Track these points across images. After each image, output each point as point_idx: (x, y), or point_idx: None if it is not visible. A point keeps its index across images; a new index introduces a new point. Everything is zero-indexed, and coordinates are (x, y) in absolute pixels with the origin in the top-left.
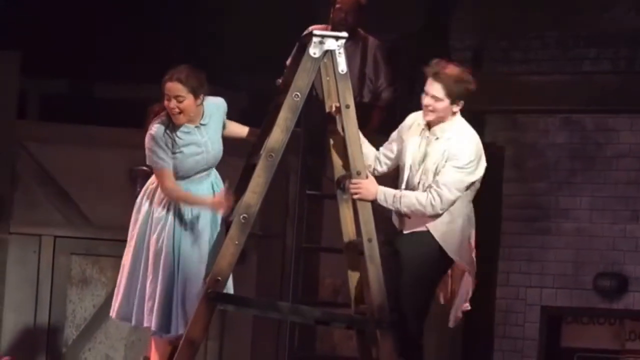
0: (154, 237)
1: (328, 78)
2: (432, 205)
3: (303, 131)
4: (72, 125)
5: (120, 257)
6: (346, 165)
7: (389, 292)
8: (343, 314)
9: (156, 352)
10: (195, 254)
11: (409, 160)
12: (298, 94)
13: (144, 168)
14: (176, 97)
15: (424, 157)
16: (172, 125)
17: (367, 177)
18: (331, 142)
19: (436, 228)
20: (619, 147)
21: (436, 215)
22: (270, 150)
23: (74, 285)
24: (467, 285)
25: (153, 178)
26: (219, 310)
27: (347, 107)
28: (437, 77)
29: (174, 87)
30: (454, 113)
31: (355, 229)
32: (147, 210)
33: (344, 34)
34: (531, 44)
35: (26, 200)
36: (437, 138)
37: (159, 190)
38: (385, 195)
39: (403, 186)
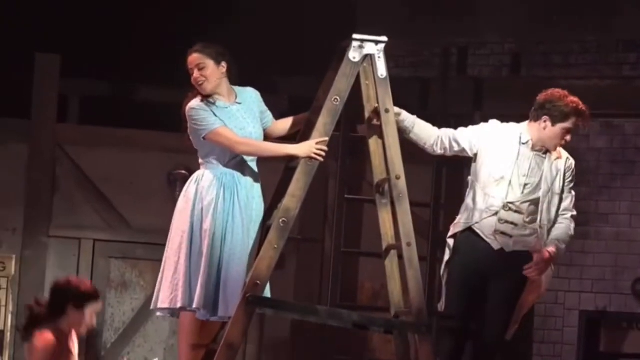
0: (207, 220)
1: (367, 82)
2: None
3: (342, 135)
4: (112, 128)
5: (158, 261)
6: (386, 169)
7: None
8: (381, 317)
9: (183, 335)
10: (245, 240)
11: (520, 176)
12: (337, 98)
13: (183, 172)
14: (197, 65)
15: (555, 177)
16: (207, 101)
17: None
18: (370, 146)
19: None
20: None
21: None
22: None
23: (112, 288)
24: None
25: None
26: (257, 314)
27: (387, 111)
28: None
29: (193, 57)
30: None
31: (394, 233)
32: (192, 203)
33: (384, 38)
34: (571, 48)
35: (66, 204)
36: (557, 158)
37: (202, 181)
38: (558, 251)
39: (507, 196)
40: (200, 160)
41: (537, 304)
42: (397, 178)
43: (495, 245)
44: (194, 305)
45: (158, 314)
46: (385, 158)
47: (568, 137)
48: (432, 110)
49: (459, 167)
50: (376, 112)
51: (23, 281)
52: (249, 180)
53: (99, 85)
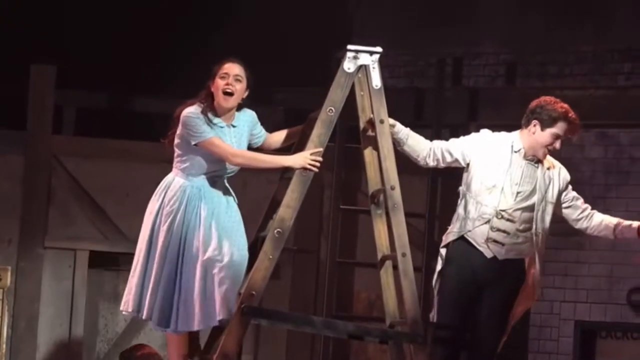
0: (163, 229)
1: (362, 93)
2: None
3: (337, 146)
4: (108, 139)
5: None
6: (381, 180)
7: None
8: (377, 328)
9: (171, 346)
10: (200, 251)
11: (513, 184)
12: (332, 109)
13: None
14: (236, 75)
15: (548, 185)
16: (207, 114)
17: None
18: (365, 157)
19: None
20: None
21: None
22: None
23: (106, 300)
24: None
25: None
26: (253, 325)
27: (382, 121)
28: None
29: (236, 66)
30: None
31: (389, 244)
32: (158, 207)
33: (378, 48)
34: (566, 59)
35: (61, 215)
36: (549, 168)
37: (171, 186)
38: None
39: (500, 204)
40: (175, 165)
41: (532, 314)
42: (392, 189)
43: (488, 254)
44: (143, 316)
45: (124, 313)
46: (380, 169)
47: (557, 144)
48: (427, 121)
49: (453, 177)
50: (371, 123)
51: (19, 292)
52: (215, 194)
53: (94, 96)
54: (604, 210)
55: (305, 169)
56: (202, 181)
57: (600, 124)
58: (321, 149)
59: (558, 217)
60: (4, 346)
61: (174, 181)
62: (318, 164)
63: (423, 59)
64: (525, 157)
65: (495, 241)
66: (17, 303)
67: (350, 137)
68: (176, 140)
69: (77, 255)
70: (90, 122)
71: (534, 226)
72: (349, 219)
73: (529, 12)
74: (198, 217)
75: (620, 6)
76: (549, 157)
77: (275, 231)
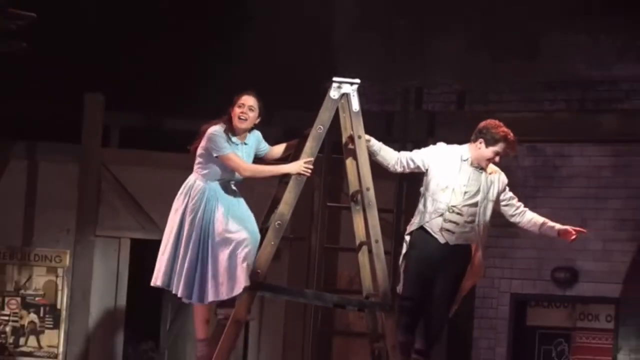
0: (188, 221)
1: (344, 115)
2: None
3: (325, 157)
4: (145, 151)
5: None
6: (358, 183)
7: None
8: (356, 299)
9: (198, 314)
10: (224, 237)
11: (461, 185)
12: (321, 127)
13: None
14: (250, 106)
15: (489, 187)
16: (228, 133)
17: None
18: (347, 165)
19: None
20: (571, 169)
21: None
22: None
23: (144, 276)
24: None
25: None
26: (258, 295)
27: (359, 137)
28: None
29: (252, 99)
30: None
31: (365, 233)
32: (183, 204)
33: (357, 80)
34: (504, 88)
35: (109, 211)
36: (491, 173)
37: (193, 188)
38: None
39: (451, 201)
40: (196, 170)
41: (477, 288)
42: (368, 190)
43: (442, 240)
44: (173, 290)
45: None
46: (358, 174)
47: (497, 159)
48: (395, 137)
49: (416, 181)
50: (351, 139)
51: (75, 270)
52: (228, 194)
53: (134, 117)
54: (534, 207)
55: (300, 174)
56: (217, 185)
57: (531, 139)
58: (312, 159)
59: (497, 213)
60: (64, 312)
61: (195, 184)
62: (310, 170)
63: (391, 88)
64: (471, 164)
65: (447, 230)
66: (74, 279)
67: (335, 149)
68: (199, 151)
69: (121, 242)
70: (131, 138)
71: (477, 219)
72: (334, 213)
73: (474, 51)
74: (217, 212)
75: (546, 48)
76: (491, 165)
77: (276, 223)
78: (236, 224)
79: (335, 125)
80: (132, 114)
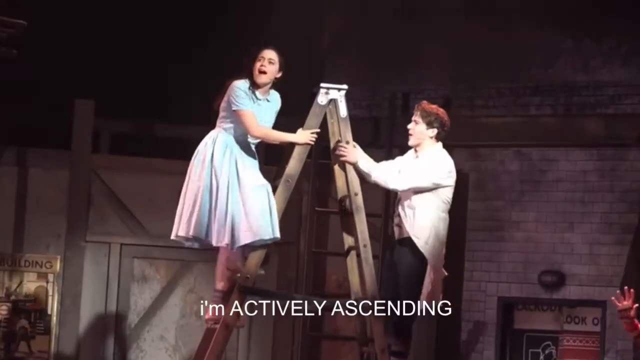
0: (214, 172)
1: (332, 121)
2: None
3: (313, 162)
4: (135, 157)
5: (171, 260)
6: (347, 187)
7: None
8: (344, 302)
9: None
10: (246, 185)
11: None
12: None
13: None
14: (270, 59)
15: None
16: (250, 87)
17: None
18: (335, 170)
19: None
20: (557, 174)
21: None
22: (288, 176)
23: (135, 281)
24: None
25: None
26: (248, 300)
27: (347, 142)
28: (418, 107)
29: (272, 52)
30: (430, 139)
31: (354, 237)
32: (210, 156)
33: (345, 86)
34: (490, 93)
35: (99, 216)
36: (416, 158)
37: (216, 141)
38: (364, 164)
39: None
40: (218, 124)
41: (464, 291)
42: (356, 194)
43: (395, 237)
44: (207, 239)
45: (173, 237)
46: (346, 179)
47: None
48: (382, 142)
49: None
50: (339, 144)
51: (65, 276)
52: (247, 149)
53: (124, 123)
54: (520, 211)
55: (307, 144)
56: (238, 142)
57: (517, 144)
58: (318, 130)
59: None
60: (55, 318)
61: (218, 137)
62: (314, 141)
63: (379, 94)
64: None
65: (397, 225)
66: (64, 285)
67: (323, 155)
68: (222, 104)
69: (111, 247)
70: (121, 144)
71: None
72: (322, 218)
73: (461, 57)
74: (239, 163)
75: (531, 53)
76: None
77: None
78: (256, 174)
79: (323, 130)
80: (122, 120)
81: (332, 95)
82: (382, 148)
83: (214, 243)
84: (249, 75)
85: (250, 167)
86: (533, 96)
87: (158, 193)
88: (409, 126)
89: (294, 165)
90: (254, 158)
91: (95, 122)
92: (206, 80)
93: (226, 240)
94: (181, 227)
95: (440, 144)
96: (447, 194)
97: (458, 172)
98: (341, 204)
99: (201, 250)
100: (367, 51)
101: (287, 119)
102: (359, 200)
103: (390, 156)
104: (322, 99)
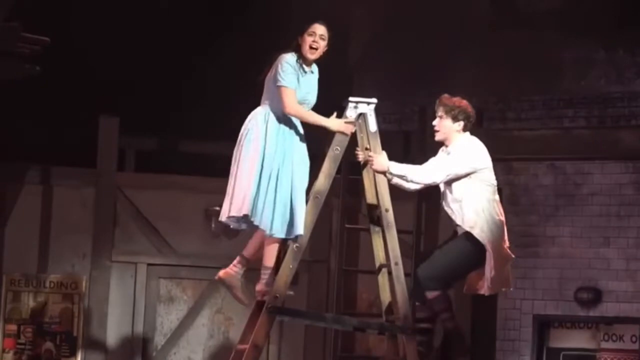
0: (268, 151)
1: (362, 135)
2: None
3: (342, 177)
4: (161, 174)
5: (199, 279)
6: (377, 204)
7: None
8: (376, 322)
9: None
10: (293, 169)
11: None
12: (338, 147)
13: (217, 208)
14: (321, 35)
15: None
16: (299, 62)
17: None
18: (365, 185)
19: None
20: (592, 187)
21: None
22: (316, 192)
23: (162, 302)
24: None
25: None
26: (277, 320)
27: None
28: (440, 102)
29: (322, 27)
30: (457, 132)
31: (385, 255)
32: (263, 134)
33: (374, 100)
34: (522, 106)
35: (124, 235)
36: (448, 154)
37: (269, 120)
38: (397, 168)
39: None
40: (264, 99)
41: (498, 310)
42: (387, 211)
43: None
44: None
45: (224, 219)
46: (377, 195)
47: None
48: (413, 156)
49: (435, 201)
50: (369, 160)
51: (91, 297)
52: (296, 135)
53: (149, 141)
54: (555, 226)
55: (340, 132)
56: (287, 120)
57: (550, 157)
58: (353, 120)
59: None
60: (80, 340)
61: (270, 117)
62: (350, 132)
63: (409, 107)
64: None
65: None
66: (90, 305)
67: (353, 170)
68: (267, 80)
69: (137, 267)
70: (147, 161)
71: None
72: (352, 235)
73: (492, 68)
74: (293, 149)
75: (565, 65)
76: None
77: (294, 246)
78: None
79: (352, 145)
80: (147, 137)
81: (361, 109)
82: (414, 162)
83: (259, 225)
84: (298, 49)
85: (299, 152)
86: (566, 108)
87: (184, 211)
88: (434, 122)
89: (322, 181)
90: (302, 137)
91: (120, 139)
92: (231, 96)
93: (265, 226)
94: (233, 207)
95: (467, 133)
96: (488, 176)
97: None
98: (372, 220)
99: None
100: (396, 64)
101: (316, 135)
102: (390, 216)
103: None
104: (351, 113)
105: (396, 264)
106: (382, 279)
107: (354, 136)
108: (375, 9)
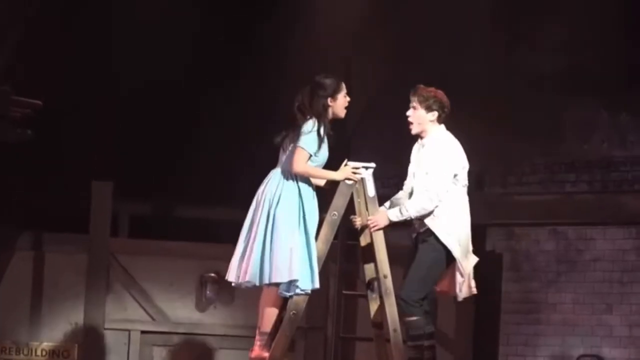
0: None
1: (359, 200)
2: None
3: (340, 243)
4: (155, 240)
5: (196, 348)
6: (375, 270)
7: None
8: None
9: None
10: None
11: (410, 168)
12: (335, 213)
13: (213, 275)
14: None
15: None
16: (328, 127)
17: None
18: (362, 251)
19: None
20: (595, 253)
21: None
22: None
23: None
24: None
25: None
26: None
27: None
28: (414, 92)
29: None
30: (432, 122)
31: (382, 322)
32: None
33: (372, 164)
34: (523, 170)
35: (118, 302)
36: (423, 146)
37: (268, 187)
38: (395, 214)
39: (406, 188)
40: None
41: None
42: (385, 277)
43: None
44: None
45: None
46: (375, 260)
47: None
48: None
49: None
50: (367, 225)
51: None
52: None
53: (143, 206)
54: (557, 292)
55: (348, 179)
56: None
57: (552, 222)
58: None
59: None
60: None
61: (297, 178)
62: (358, 177)
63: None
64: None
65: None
66: None
67: (350, 236)
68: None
69: (131, 335)
70: (140, 226)
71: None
72: (350, 302)
73: (492, 131)
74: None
75: (567, 128)
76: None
77: (291, 313)
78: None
79: (350, 211)
80: (141, 202)
81: (360, 174)
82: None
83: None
84: (324, 112)
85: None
86: (568, 172)
87: (179, 277)
88: (408, 113)
89: (320, 247)
90: (312, 194)
91: (114, 204)
92: (226, 162)
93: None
94: (231, 273)
95: (443, 126)
96: (463, 176)
97: (491, 252)
98: (369, 286)
99: (223, 337)
100: (394, 127)
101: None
102: (389, 282)
103: None
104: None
105: (394, 330)
106: (380, 346)
107: (351, 202)
108: (373, 72)
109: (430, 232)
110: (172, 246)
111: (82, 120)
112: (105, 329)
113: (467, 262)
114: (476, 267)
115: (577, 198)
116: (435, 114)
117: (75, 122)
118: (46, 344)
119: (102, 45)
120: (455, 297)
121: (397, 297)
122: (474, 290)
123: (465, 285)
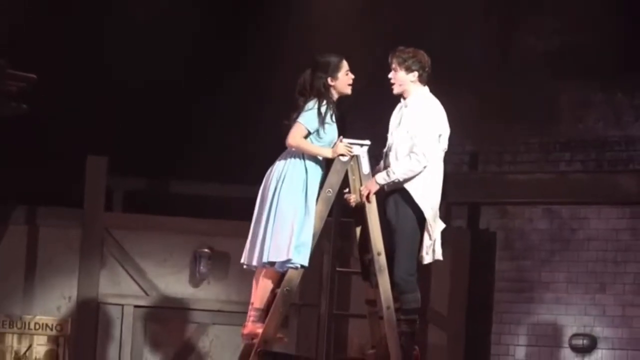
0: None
1: (354, 177)
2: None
3: (334, 220)
4: (149, 215)
5: (189, 323)
6: (369, 247)
7: None
8: None
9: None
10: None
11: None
12: (330, 190)
13: (207, 250)
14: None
15: (399, 123)
16: (332, 107)
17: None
18: (357, 229)
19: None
20: (589, 232)
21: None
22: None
23: (148, 345)
24: None
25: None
26: None
27: (370, 201)
28: (392, 54)
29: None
30: (413, 82)
31: (376, 299)
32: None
33: (367, 141)
34: (518, 149)
35: (111, 276)
36: (406, 106)
37: (276, 167)
38: (382, 177)
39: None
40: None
41: (492, 356)
42: (379, 254)
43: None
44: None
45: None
46: (369, 238)
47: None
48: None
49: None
50: (361, 202)
51: (77, 340)
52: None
53: (137, 181)
54: (550, 271)
55: (342, 155)
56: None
57: (546, 201)
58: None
59: None
60: None
61: (304, 159)
62: (351, 152)
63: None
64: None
65: None
66: (76, 349)
67: (344, 213)
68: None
69: (124, 309)
70: (135, 202)
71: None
72: (343, 279)
73: (488, 112)
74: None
75: (562, 108)
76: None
77: (285, 289)
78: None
79: (344, 187)
80: (135, 177)
81: (355, 150)
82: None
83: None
84: (327, 91)
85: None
86: (563, 152)
87: (172, 252)
88: (390, 75)
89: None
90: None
91: (108, 180)
92: (221, 137)
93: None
94: (273, 253)
95: (426, 88)
96: (444, 141)
97: (485, 230)
98: (363, 262)
99: (217, 313)
100: (389, 106)
101: None
102: (382, 260)
103: None
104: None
105: (388, 308)
106: (373, 323)
107: (346, 179)
108: (370, 51)
109: (403, 194)
110: (166, 221)
111: (78, 95)
112: (99, 303)
113: (435, 225)
114: (470, 244)
115: (572, 177)
116: (416, 74)
117: (71, 96)
118: (39, 318)
119: (98, 23)
120: (420, 261)
121: (392, 281)
122: (440, 256)
123: (431, 249)
